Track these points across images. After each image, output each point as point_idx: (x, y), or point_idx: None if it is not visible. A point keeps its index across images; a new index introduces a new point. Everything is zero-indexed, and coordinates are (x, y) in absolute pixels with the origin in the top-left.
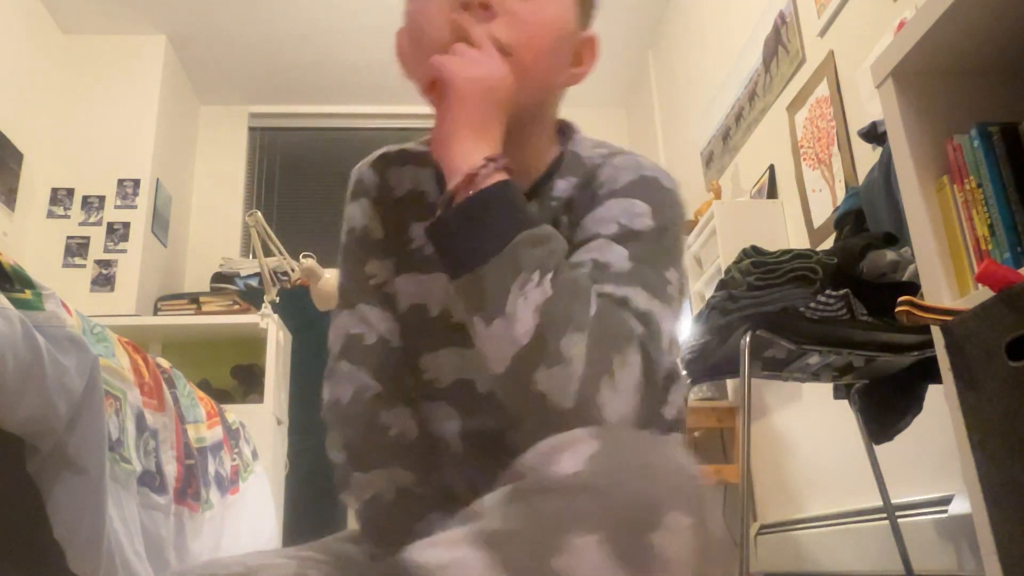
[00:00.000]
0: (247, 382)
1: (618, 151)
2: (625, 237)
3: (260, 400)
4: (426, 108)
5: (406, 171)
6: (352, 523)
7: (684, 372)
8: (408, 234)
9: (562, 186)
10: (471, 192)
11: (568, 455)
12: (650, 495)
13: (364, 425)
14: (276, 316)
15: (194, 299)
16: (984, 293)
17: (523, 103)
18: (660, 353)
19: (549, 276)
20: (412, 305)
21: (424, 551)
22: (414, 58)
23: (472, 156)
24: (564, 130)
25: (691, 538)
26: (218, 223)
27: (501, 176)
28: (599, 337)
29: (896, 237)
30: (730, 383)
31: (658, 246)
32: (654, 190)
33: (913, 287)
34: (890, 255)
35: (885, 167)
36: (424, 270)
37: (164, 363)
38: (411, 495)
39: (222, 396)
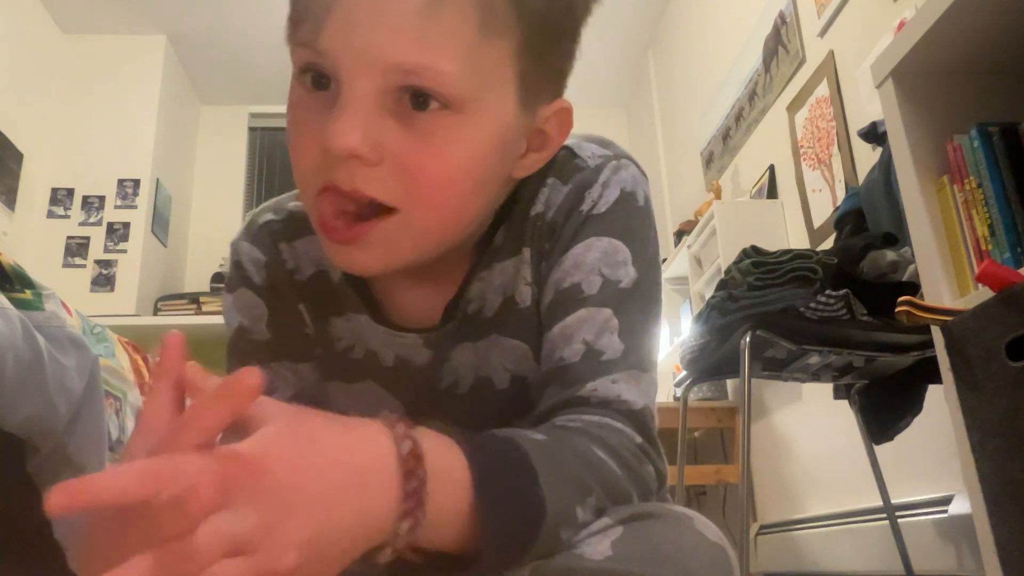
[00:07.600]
0: None
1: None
2: (611, 298)
3: None
4: None
5: (301, 246)
6: None
7: (684, 372)
8: (331, 332)
9: (542, 205)
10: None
11: (596, 538)
12: None
13: None
14: None
15: (194, 299)
16: (984, 293)
17: (426, 255)
18: (656, 455)
19: (579, 512)
20: None
21: None
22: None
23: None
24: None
25: None
26: (218, 223)
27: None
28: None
29: (896, 237)
30: (730, 383)
31: (643, 301)
32: (631, 216)
33: (913, 287)
34: (890, 255)
35: (885, 167)
36: (355, 378)
37: None
38: None
39: None
